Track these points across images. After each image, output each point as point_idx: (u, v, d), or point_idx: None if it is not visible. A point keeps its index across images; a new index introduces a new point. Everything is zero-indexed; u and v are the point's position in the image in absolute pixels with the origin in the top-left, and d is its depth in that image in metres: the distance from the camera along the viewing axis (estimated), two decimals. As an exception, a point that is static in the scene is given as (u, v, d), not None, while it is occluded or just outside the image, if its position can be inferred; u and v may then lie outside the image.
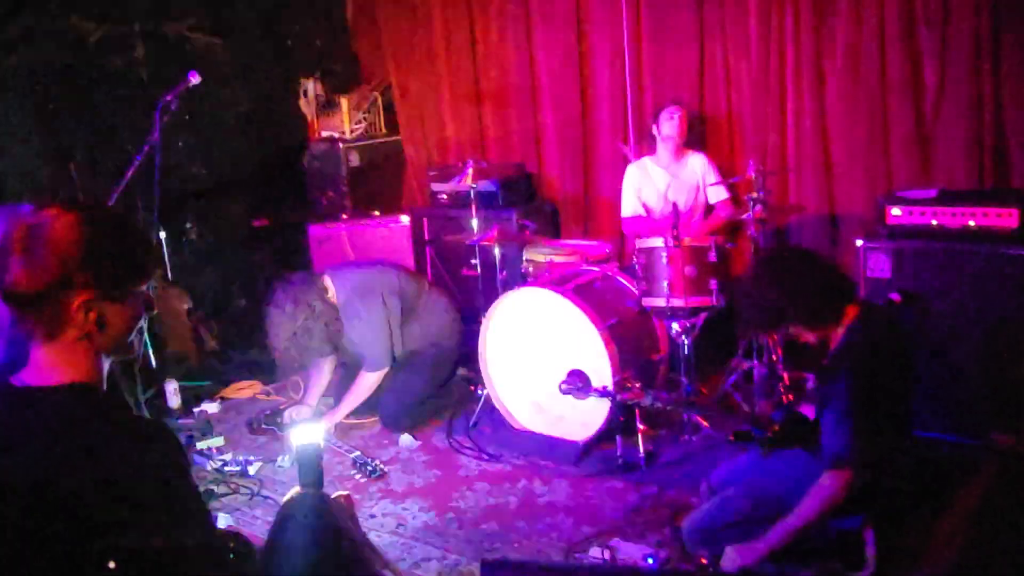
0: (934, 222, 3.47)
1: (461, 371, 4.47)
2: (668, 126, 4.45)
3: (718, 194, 4.54)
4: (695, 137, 4.66)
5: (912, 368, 2.72)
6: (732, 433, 2.83)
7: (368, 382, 4.07)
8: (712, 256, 3.70)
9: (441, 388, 4.31)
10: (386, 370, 4.08)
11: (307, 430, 2.22)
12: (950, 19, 3.97)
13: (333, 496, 2.24)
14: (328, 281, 4.03)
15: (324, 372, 4.27)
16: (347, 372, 4.33)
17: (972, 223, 3.38)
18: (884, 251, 3.53)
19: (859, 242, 3.62)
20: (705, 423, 3.81)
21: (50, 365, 1.41)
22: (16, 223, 1.38)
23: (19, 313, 1.39)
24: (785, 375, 3.93)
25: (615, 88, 5.07)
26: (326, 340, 3.97)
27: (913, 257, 3.48)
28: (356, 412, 4.15)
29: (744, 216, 3.99)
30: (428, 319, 4.24)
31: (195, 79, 3.98)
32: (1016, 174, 3.96)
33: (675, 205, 3.78)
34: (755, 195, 3.92)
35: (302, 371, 4.40)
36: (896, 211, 3.55)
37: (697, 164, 4.54)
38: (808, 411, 2.88)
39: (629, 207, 4.66)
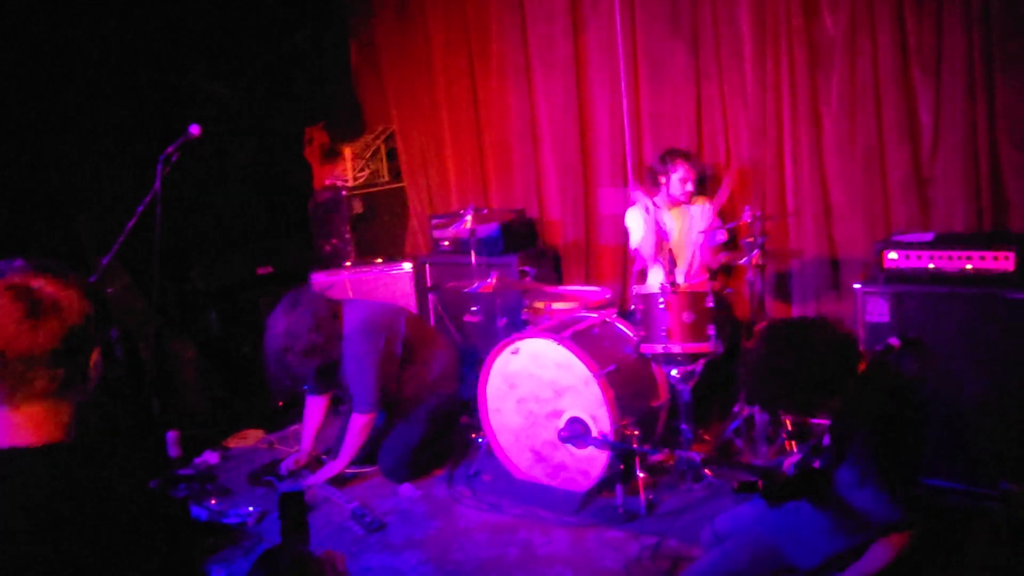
0: (931, 265, 3.45)
1: (463, 419, 4.45)
2: (678, 187, 4.43)
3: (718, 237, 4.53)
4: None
5: (924, 414, 2.67)
6: (736, 483, 2.79)
7: (358, 425, 3.98)
8: (710, 302, 3.70)
9: (442, 437, 4.29)
10: (374, 415, 4.01)
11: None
12: (943, 62, 3.98)
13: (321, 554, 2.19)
14: (341, 308, 4.03)
15: (317, 413, 4.26)
16: (346, 419, 4.32)
17: (969, 266, 3.37)
18: (882, 295, 3.51)
19: (857, 286, 3.61)
20: (708, 471, 3.76)
21: (32, 424, 1.41)
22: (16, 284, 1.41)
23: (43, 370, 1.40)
24: (787, 421, 3.89)
25: (614, 133, 5.10)
26: (320, 360, 3.91)
27: (911, 301, 3.46)
28: (357, 461, 4.12)
29: (742, 261, 3.98)
30: (431, 367, 4.23)
31: (196, 132, 4.04)
32: (1014, 214, 3.93)
33: (671, 252, 3.77)
34: (752, 240, 3.92)
35: (290, 394, 4.32)
36: (893, 255, 3.53)
37: (699, 211, 4.53)
38: (816, 462, 2.84)
39: (638, 236, 4.53)
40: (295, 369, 3.99)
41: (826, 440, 2.94)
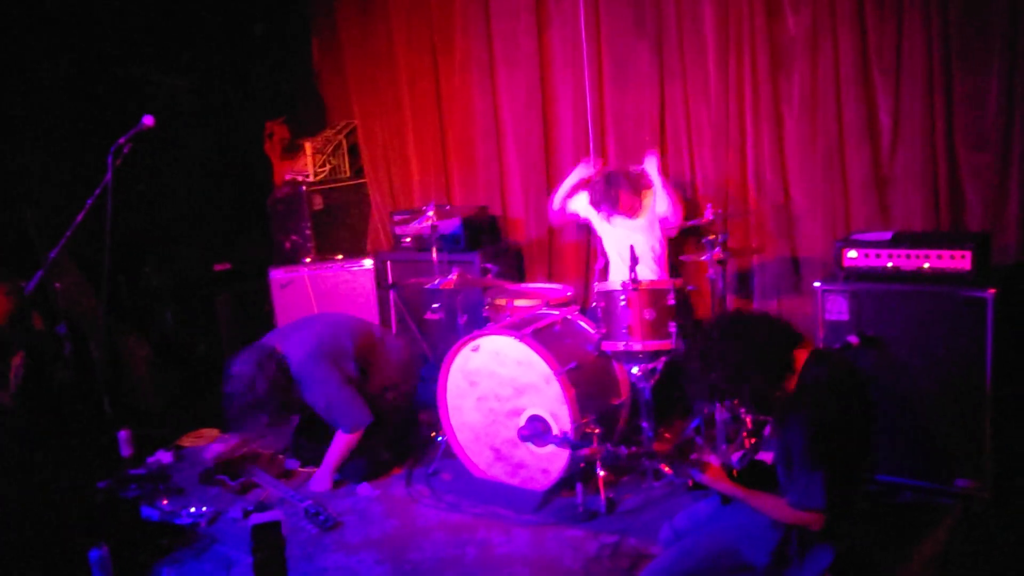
0: (889, 264, 3.47)
1: (422, 417, 4.40)
2: (627, 204, 4.25)
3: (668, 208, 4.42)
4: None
5: (871, 409, 2.69)
6: (691, 482, 2.79)
7: (343, 442, 3.91)
8: (671, 299, 3.68)
9: (402, 435, 4.22)
10: (363, 428, 3.91)
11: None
12: (903, 63, 4.01)
13: None
14: (277, 349, 3.87)
15: None
16: (306, 425, 4.25)
17: (926, 265, 3.39)
18: (841, 293, 3.52)
19: (817, 284, 3.62)
20: (668, 469, 3.75)
21: None
22: None
23: None
24: (747, 419, 3.88)
25: (578, 131, 5.08)
26: (288, 410, 3.91)
27: (870, 299, 3.48)
28: (308, 462, 4.04)
29: (703, 257, 3.98)
30: (385, 366, 4.15)
31: (149, 122, 3.94)
32: (971, 215, 3.98)
33: (632, 248, 3.75)
34: (714, 237, 3.92)
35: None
36: (852, 253, 3.55)
37: (649, 200, 4.43)
38: (767, 456, 2.84)
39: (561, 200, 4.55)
40: (272, 421, 3.97)
41: (767, 431, 2.95)
